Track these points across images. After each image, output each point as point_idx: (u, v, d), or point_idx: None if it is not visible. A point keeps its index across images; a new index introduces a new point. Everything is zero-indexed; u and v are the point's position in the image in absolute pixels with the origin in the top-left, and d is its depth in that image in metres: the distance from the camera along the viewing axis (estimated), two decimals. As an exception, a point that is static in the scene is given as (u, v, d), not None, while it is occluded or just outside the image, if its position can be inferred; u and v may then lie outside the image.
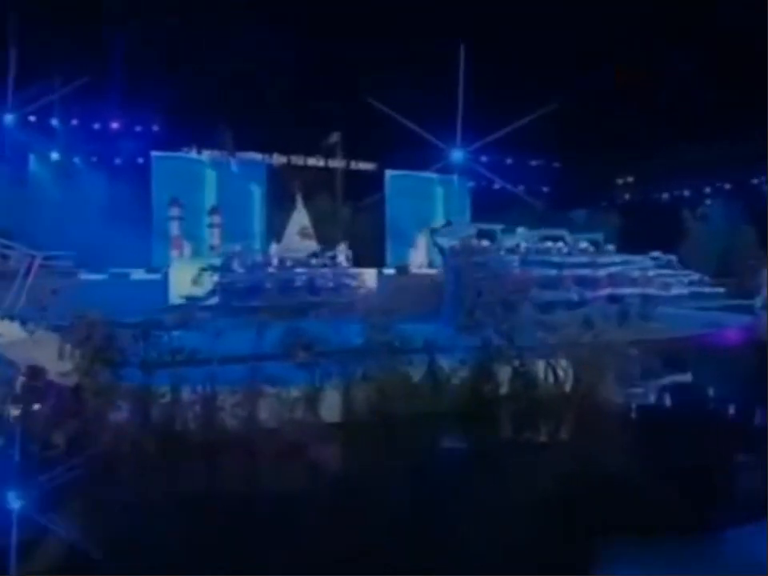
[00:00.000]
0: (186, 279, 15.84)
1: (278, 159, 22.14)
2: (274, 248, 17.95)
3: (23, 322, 6.41)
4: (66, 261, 16.30)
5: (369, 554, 4.45)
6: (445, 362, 7.52)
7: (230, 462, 6.07)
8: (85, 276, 16.30)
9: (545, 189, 25.30)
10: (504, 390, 7.56)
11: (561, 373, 7.76)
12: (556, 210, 23.09)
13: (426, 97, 19.90)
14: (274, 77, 19.86)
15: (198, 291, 15.32)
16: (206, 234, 19.31)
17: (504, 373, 7.63)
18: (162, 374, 6.69)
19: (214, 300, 14.73)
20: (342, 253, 18.40)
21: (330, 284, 14.74)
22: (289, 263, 16.78)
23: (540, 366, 7.75)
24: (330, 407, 7.07)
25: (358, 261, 18.01)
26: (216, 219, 19.18)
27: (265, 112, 19.99)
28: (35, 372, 5.79)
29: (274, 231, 20.25)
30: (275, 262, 17.21)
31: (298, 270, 15.71)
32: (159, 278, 15.80)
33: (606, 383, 7.63)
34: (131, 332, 6.91)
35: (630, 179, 26.09)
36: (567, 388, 7.72)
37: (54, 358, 6.06)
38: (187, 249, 18.41)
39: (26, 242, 16.52)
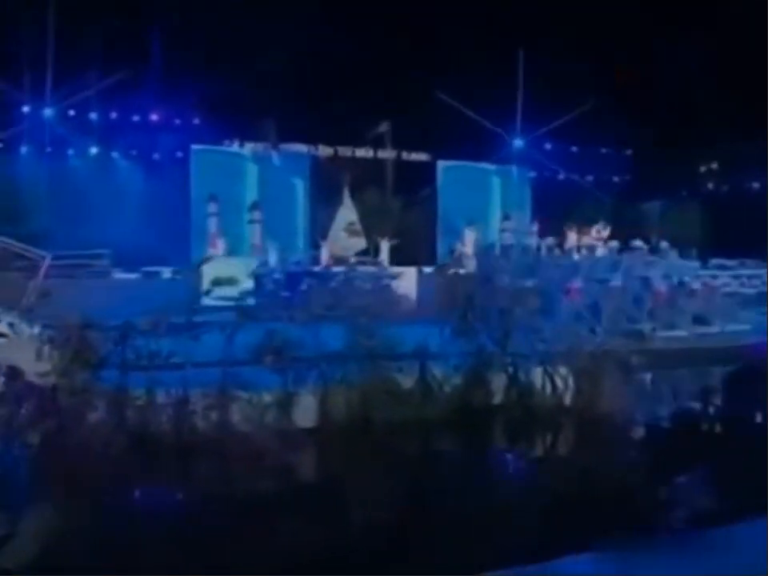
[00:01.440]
0: (221, 278, 15.63)
1: (324, 151, 21.93)
2: (323, 247, 17.96)
3: (11, 324, 6.64)
4: (100, 260, 16.80)
5: (340, 567, 4.47)
6: (437, 369, 7.50)
7: (199, 466, 6.21)
8: (119, 275, 16.58)
9: (615, 179, 24.57)
10: (498, 398, 7.52)
11: (559, 382, 7.62)
12: (627, 203, 22.55)
13: (482, 80, 19.72)
14: (319, 64, 19.84)
15: (233, 291, 15.03)
16: (247, 231, 19.32)
17: (499, 381, 7.59)
18: (139, 376, 6.87)
19: (250, 300, 14.68)
20: (385, 250, 18.15)
21: (368, 285, 14.61)
22: (330, 262, 16.67)
23: (537, 374, 7.66)
24: (305, 413, 7.12)
25: (405, 258, 17.81)
26: (257, 215, 18.90)
27: (310, 101, 19.99)
28: (14, 373, 6.09)
29: (319, 228, 19.89)
30: (323, 260, 17.08)
31: (335, 269, 15.59)
32: (181, 278, 15.88)
33: (610, 395, 7.45)
34: (111, 334, 7.07)
35: (715, 166, 25.01)
36: (566, 398, 7.60)
37: (33, 359, 6.34)
38: (224, 246, 18.27)
39: (62, 239, 17.46)
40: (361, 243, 19.49)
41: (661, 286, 12.56)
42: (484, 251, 13.74)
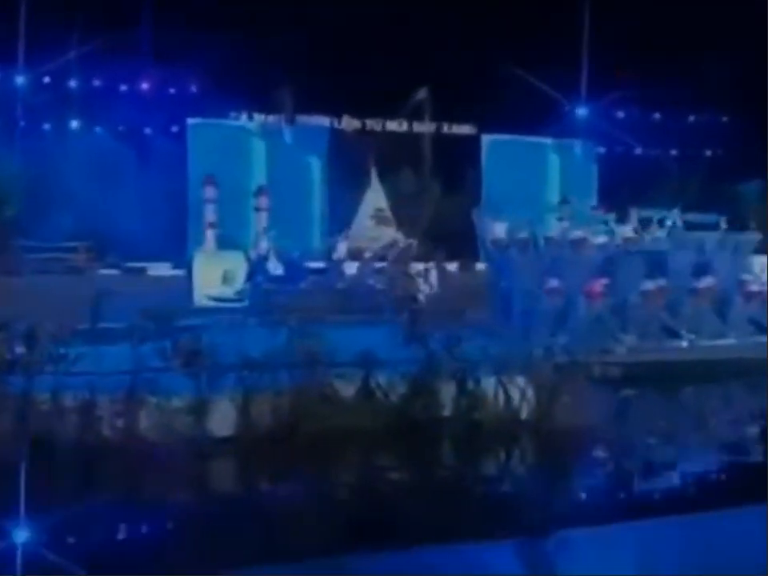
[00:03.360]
0: (214, 276, 15.24)
1: (348, 123, 21.16)
2: (341, 240, 17.15)
3: None
4: (77, 253, 16.73)
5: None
6: (383, 376, 7.57)
7: (104, 474, 6.47)
8: (101, 271, 16.27)
9: (707, 153, 23.21)
10: (445, 409, 7.63)
11: (515, 392, 7.69)
12: (720, 181, 21.09)
13: (538, 35, 18.81)
14: (343, 18, 19.10)
15: (229, 291, 14.77)
16: (252, 220, 18.39)
17: (448, 390, 7.65)
18: (47, 380, 7.16)
19: (245, 302, 14.05)
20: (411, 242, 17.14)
21: (380, 285, 13.77)
22: (342, 257, 15.92)
23: (490, 383, 7.74)
24: (222, 421, 7.22)
25: (442, 252, 16.74)
26: (263, 202, 18.00)
27: (332, 64, 19.31)
28: None
29: (339, 215, 19.29)
30: (339, 254, 16.30)
31: (348, 265, 14.91)
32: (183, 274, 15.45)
33: (570, 407, 7.56)
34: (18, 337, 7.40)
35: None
36: (522, 409, 7.70)
37: None
38: (213, 239, 17.55)
39: (35, 229, 16.71)
40: (390, 233, 18.73)
41: (752, 286, 12.43)
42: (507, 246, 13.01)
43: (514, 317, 11.62)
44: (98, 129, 20.10)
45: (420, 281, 14.08)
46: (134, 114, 19.66)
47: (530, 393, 7.65)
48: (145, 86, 20.11)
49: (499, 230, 12.88)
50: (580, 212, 14.75)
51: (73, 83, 19.53)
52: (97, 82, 19.81)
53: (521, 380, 7.68)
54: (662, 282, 11.90)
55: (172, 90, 20.29)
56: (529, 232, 12.78)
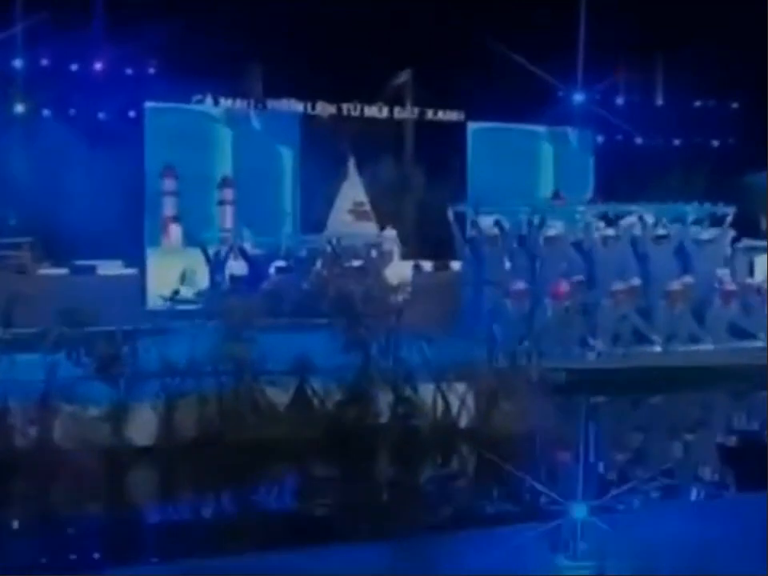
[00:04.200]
0: (171, 275, 15.57)
1: (323, 109, 20.64)
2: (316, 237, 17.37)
3: None
4: (20, 250, 15.88)
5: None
6: (318, 383, 7.81)
7: (15, 485, 6.60)
8: (45, 271, 15.55)
9: (714, 143, 22.63)
10: (382, 417, 7.84)
11: (454, 400, 7.89)
12: (730, 174, 20.58)
13: (529, 14, 18.41)
14: None
15: (188, 292, 15.07)
16: (216, 214, 18.45)
17: (385, 397, 7.88)
18: None
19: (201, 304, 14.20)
20: (391, 240, 17.42)
21: (350, 286, 13.43)
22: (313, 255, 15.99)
23: (429, 390, 7.95)
24: (141, 429, 7.32)
25: (422, 250, 16.99)
26: (228, 194, 18.20)
27: (306, 44, 18.75)
28: None
29: (313, 210, 19.30)
30: (312, 252, 16.13)
31: (318, 265, 15.01)
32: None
33: (510, 415, 7.80)
34: None
35: None
36: (461, 418, 7.92)
37: None
38: (179, 234, 17.70)
39: None
40: (370, 228, 18.85)
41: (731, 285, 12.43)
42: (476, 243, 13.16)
43: (479, 320, 11.62)
44: (44, 113, 19.37)
45: (392, 282, 13.91)
46: (85, 96, 19.01)
47: (469, 400, 7.79)
48: (97, 65, 19.33)
49: (473, 226, 12.84)
50: (570, 209, 14.43)
51: (16, 62, 18.60)
52: (43, 61, 19.04)
53: (461, 387, 7.82)
54: (635, 281, 11.78)
55: (128, 71, 19.53)
56: (505, 228, 12.72)
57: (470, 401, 7.85)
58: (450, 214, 12.98)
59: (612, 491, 5.69)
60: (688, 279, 11.97)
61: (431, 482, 7.26)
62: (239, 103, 19.84)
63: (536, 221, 12.30)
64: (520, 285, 11.64)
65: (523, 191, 19.85)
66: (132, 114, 19.34)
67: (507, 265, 12.29)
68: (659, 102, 22.05)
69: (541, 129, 21.59)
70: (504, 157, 20.86)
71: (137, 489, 6.94)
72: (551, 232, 12.38)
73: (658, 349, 11.43)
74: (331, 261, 15.14)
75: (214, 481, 6.79)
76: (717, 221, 13.28)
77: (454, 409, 7.81)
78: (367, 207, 19.29)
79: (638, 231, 12.69)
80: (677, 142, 22.28)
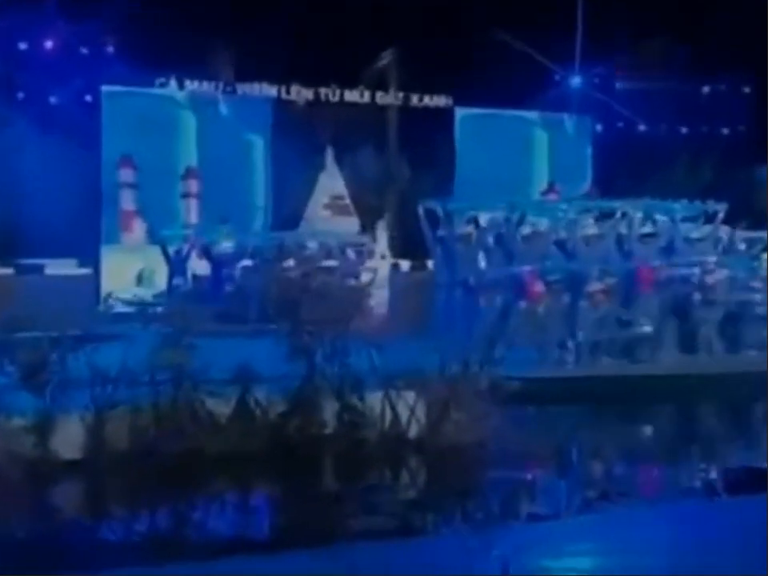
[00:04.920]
0: (127, 276, 15.46)
1: (300, 93, 20.23)
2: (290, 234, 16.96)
3: None
4: None
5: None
6: (261, 393, 7.83)
7: None
8: None
9: (724, 131, 22.24)
10: (326, 428, 7.94)
11: (404, 409, 7.97)
12: (737, 166, 20.33)
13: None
14: None
15: (147, 293, 14.84)
16: (179, 209, 18.17)
17: (331, 407, 7.97)
18: None
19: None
20: (382, 239, 17.04)
21: (323, 288, 13.58)
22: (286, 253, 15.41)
23: (377, 399, 8.03)
24: (68, 442, 7.29)
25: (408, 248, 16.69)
26: (192, 186, 18.05)
27: (281, 23, 18.44)
28: None
29: (287, 204, 19.02)
30: (284, 250, 15.54)
31: (288, 264, 14.50)
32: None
33: (462, 426, 7.90)
34: None
35: None
36: (410, 428, 8.02)
37: None
38: (143, 230, 17.33)
39: None
40: (351, 224, 18.55)
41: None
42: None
43: (446, 324, 11.66)
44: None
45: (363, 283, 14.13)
46: (36, 79, 18.28)
47: (420, 410, 7.89)
48: (48, 43, 18.68)
49: (445, 224, 12.66)
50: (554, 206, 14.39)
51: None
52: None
53: (410, 395, 7.90)
54: (611, 280, 11.67)
55: (84, 50, 18.89)
56: (481, 226, 12.61)
57: (421, 410, 7.90)
58: (421, 211, 12.71)
59: (564, 502, 6.08)
60: (610, 280, 11.80)
61: (378, 494, 7.26)
62: (206, 87, 19.60)
63: (515, 218, 12.08)
64: (491, 287, 11.61)
65: (515, 183, 19.54)
66: (88, 98, 18.95)
67: (481, 264, 12.11)
68: (665, 85, 21.53)
69: (535, 115, 21.48)
70: (495, 146, 20.62)
71: (63, 505, 6.93)
72: (530, 230, 12.23)
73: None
74: (302, 261, 14.78)
75: (148, 497, 6.77)
76: (710, 218, 13.16)
77: (404, 419, 7.85)
78: (347, 201, 18.99)
79: (624, 229, 12.52)
80: (684, 130, 21.96)
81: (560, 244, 12.24)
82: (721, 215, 13.26)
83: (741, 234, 13.42)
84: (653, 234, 12.58)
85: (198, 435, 7.34)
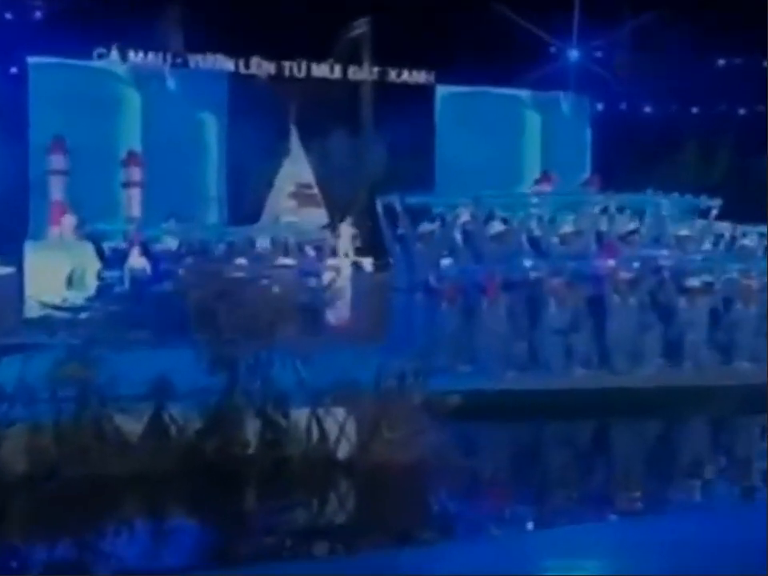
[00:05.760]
0: (56, 276, 14.83)
1: (261, 67, 19.84)
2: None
3: None
4: None
5: None
6: (177, 409, 7.62)
7: None
8: None
9: (741, 111, 21.58)
10: (249, 447, 7.74)
11: (332, 427, 7.79)
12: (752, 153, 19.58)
13: None
14: None
15: (77, 297, 14.32)
16: (120, 199, 17.40)
17: (252, 424, 7.81)
18: None
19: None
20: (347, 235, 16.54)
21: (276, 290, 12.11)
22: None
23: (303, 416, 7.88)
24: None
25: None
26: (135, 174, 17.39)
27: None
28: None
29: (246, 193, 18.57)
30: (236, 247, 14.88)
31: (239, 262, 13.63)
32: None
33: (395, 445, 7.69)
34: None
35: None
36: (339, 447, 7.81)
37: None
38: (72, 224, 16.34)
39: None
40: (318, 215, 18.07)
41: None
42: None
43: (403, 331, 11.55)
44: None
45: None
46: None
47: (350, 427, 7.89)
48: None
49: (402, 220, 12.26)
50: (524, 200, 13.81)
51: None
52: None
53: (340, 412, 7.94)
54: (582, 283, 11.36)
55: (7, 15, 18.18)
56: (447, 223, 12.31)
57: (351, 428, 7.81)
58: (379, 206, 12.20)
59: (507, 524, 6.23)
60: (581, 283, 11.45)
61: (304, 518, 7.17)
62: (152, 59, 19.12)
63: (480, 214, 11.57)
64: (450, 291, 11.48)
65: (504, 172, 18.68)
66: (13, 70, 18.40)
67: (443, 266, 11.74)
68: (669, 61, 20.67)
69: (526, 94, 21.09)
70: (481, 129, 20.25)
71: None
72: (498, 228, 11.74)
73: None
74: (254, 259, 14.05)
75: (48, 525, 6.58)
76: (703, 213, 12.76)
77: (332, 437, 7.78)
78: (314, 190, 18.46)
79: (604, 226, 12.04)
80: (694, 109, 21.21)
81: (534, 242, 11.77)
82: (714, 212, 12.81)
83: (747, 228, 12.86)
84: (635, 231, 12.06)
85: (104, 455, 7.26)
